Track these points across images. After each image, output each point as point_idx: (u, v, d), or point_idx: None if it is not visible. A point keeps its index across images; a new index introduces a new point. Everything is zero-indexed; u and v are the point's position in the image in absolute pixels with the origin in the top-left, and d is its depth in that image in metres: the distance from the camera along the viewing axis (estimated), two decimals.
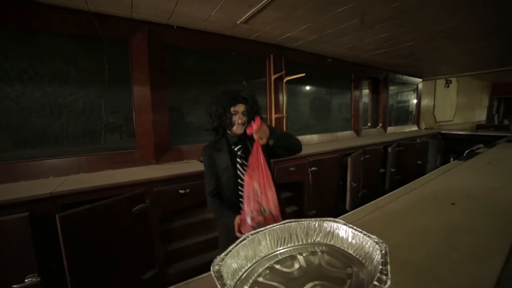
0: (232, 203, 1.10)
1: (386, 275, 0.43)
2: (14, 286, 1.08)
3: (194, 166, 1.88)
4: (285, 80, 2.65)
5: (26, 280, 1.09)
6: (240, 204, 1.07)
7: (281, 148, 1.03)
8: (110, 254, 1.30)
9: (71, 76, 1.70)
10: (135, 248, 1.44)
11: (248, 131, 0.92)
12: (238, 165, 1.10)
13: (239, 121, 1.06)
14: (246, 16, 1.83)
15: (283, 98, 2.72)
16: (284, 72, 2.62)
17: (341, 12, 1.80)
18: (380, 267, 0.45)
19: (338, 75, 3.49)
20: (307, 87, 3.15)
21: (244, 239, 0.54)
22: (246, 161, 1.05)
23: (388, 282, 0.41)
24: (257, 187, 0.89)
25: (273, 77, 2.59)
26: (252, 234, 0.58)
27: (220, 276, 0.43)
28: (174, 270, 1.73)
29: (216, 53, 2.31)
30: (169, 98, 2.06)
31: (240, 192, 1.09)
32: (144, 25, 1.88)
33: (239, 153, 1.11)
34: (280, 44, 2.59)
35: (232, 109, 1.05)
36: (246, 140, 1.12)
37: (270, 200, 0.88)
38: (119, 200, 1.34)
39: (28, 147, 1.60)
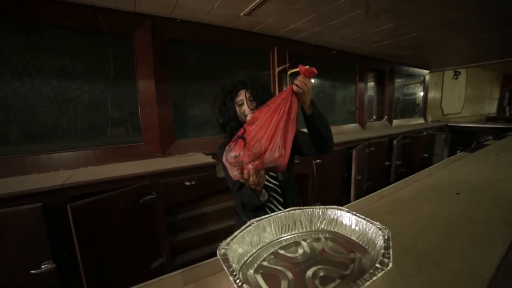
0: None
1: (388, 258, 0.44)
2: (33, 271, 1.13)
3: (199, 158, 1.91)
4: (289, 72, 2.64)
5: (43, 266, 1.14)
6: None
7: (317, 129, 0.84)
8: (119, 244, 1.34)
9: (76, 71, 1.72)
10: (143, 238, 1.49)
11: (301, 69, 0.77)
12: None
13: (250, 108, 0.90)
14: (249, 8, 1.82)
15: None
16: (288, 64, 2.60)
17: (345, 2, 1.77)
18: (383, 251, 0.46)
19: (343, 68, 3.44)
20: (312, 80, 3.12)
21: (249, 225, 0.56)
22: None
23: (390, 265, 0.42)
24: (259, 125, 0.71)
25: (277, 70, 2.58)
26: (257, 221, 0.59)
27: (226, 259, 0.45)
28: (180, 261, 1.78)
29: (220, 46, 2.30)
30: (173, 92, 2.08)
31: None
32: (148, 18, 1.88)
33: None
34: (283, 36, 2.56)
35: (236, 100, 0.92)
36: None
37: (267, 138, 0.69)
38: (127, 191, 1.38)
39: (37, 141, 1.64)
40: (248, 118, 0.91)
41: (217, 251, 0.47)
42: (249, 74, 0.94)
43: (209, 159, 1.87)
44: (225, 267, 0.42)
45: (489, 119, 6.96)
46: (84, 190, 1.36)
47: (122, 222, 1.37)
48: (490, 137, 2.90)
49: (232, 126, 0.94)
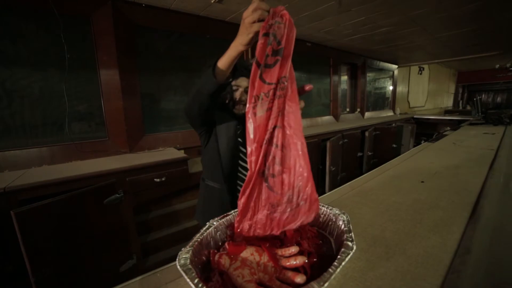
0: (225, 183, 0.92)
1: (352, 241, 0.44)
2: None
3: (170, 154, 1.81)
4: None
5: None
6: (238, 187, 0.94)
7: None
8: (80, 249, 1.23)
9: (21, 57, 1.50)
10: (109, 241, 1.38)
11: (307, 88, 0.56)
12: (240, 153, 0.92)
13: (242, 98, 0.88)
14: None
15: None
16: None
17: None
18: (346, 235, 0.46)
19: (317, 60, 3.48)
20: None
21: (210, 226, 0.51)
22: (245, 148, 0.89)
23: (354, 247, 0.43)
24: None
25: (250, 61, 2.51)
26: (217, 221, 0.55)
27: (188, 270, 0.40)
28: (153, 261, 1.69)
29: (191, 35, 2.17)
30: (140, 83, 1.93)
31: (240, 174, 0.93)
32: (108, 1, 1.70)
33: (239, 139, 0.93)
34: None
35: (233, 83, 0.87)
36: None
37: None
38: (88, 191, 1.26)
39: None
40: (237, 107, 0.91)
41: (177, 262, 0.41)
42: None
43: (181, 154, 1.78)
44: (188, 280, 0.38)
45: (447, 112, 7.62)
46: (36, 192, 1.21)
47: (84, 225, 1.25)
48: (448, 128, 3.15)
49: (223, 106, 0.92)
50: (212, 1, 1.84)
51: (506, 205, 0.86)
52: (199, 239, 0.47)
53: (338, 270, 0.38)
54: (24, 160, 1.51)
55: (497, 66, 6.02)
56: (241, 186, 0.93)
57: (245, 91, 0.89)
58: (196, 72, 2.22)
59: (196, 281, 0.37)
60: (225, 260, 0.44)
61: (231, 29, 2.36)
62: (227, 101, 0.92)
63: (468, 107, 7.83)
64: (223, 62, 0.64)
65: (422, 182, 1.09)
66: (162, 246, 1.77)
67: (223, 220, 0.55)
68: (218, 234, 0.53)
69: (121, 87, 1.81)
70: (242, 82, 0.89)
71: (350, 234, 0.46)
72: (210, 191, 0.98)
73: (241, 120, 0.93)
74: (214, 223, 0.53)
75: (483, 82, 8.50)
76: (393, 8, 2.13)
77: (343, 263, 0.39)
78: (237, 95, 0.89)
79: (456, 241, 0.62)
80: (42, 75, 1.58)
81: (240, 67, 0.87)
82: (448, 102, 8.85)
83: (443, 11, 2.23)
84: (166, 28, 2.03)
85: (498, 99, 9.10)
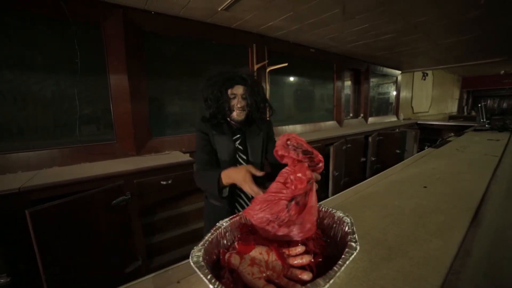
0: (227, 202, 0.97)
1: (355, 242, 0.46)
2: None
3: (176, 157, 1.84)
4: (268, 69, 2.64)
5: None
6: (236, 204, 0.98)
7: None
8: (88, 249, 1.26)
9: (36, 62, 1.56)
10: (116, 241, 1.40)
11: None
12: (238, 158, 0.97)
13: (239, 106, 0.93)
14: (226, 2, 1.78)
15: (266, 88, 2.71)
16: (267, 61, 2.60)
17: (322, 1, 1.80)
18: (350, 236, 0.48)
19: (321, 66, 3.52)
20: (290, 78, 3.16)
21: (220, 227, 0.54)
22: (245, 155, 0.96)
23: (358, 248, 0.45)
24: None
25: (255, 66, 2.56)
26: (227, 222, 0.57)
27: (201, 266, 0.42)
28: (158, 263, 1.71)
29: (197, 41, 2.23)
30: (148, 87, 1.99)
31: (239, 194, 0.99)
32: (119, 9, 1.77)
33: (237, 144, 0.97)
34: (262, 33, 2.55)
35: (229, 91, 0.93)
36: (246, 131, 0.99)
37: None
38: (97, 193, 1.29)
39: None
40: (234, 113, 0.94)
41: (190, 259, 0.44)
42: (250, 73, 0.97)
43: (186, 157, 1.81)
44: (201, 275, 0.40)
45: (451, 117, 7.58)
46: (47, 193, 1.25)
47: (92, 226, 1.28)
48: (452, 134, 3.15)
49: (223, 116, 0.95)
50: (219, 9, 1.89)
51: (508, 210, 0.87)
52: (210, 239, 0.50)
53: (343, 268, 0.40)
54: (36, 162, 1.56)
55: (502, 72, 5.99)
56: (240, 203, 0.98)
57: (242, 97, 0.94)
58: (202, 77, 2.27)
59: (209, 277, 0.40)
60: (235, 259, 0.47)
61: (237, 36, 2.42)
62: (225, 110, 0.95)
63: (473, 113, 7.78)
64: (227, 182, 0.77)
65: (425, 187, 1.10)
66: (167, 248, 1.80)
67: (232, 221, 0.57)
68: (227, 234, 0.55)
69: (130, 91, 1.86)
70: (238, 89, 0.94)
71: (354, 236, 0.48)
72: (214, 211, 1.00)
73: (239, 128, 0.99)
74: (224, 223, 0.55)
75: (488, 88, 8.44)
76: (397, 15, 2.16)
77: (347, 262, 0.41)
78: (234, 102, 0.94)
79: (457, 244, 0.64)
80: (55, 79, 1.64)
81: (236, 76, 0.93)
82: (453, 108, 8.80)
83: (446, 18, 2.26)
84: (174, 34, 2.09)
85: (504, 105, 9.01)
